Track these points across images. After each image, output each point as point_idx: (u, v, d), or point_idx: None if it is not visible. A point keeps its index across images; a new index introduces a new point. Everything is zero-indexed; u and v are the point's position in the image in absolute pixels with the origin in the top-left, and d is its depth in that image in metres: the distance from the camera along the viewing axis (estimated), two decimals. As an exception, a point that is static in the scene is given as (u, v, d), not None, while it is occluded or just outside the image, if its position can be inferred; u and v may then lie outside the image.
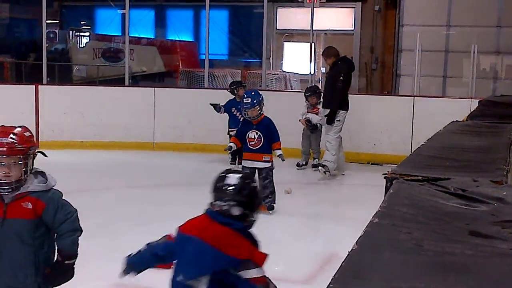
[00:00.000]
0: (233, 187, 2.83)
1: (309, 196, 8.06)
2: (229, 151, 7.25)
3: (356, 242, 1.73)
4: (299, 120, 9.81)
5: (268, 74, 14.51)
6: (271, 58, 17.88)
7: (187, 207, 5.91)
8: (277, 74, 16.17)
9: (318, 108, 9.64)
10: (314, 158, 9.83)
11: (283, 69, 18.21)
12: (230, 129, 9.70)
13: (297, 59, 17.53)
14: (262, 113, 6.84)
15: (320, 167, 9.01)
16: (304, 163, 9.86)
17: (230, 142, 7.19)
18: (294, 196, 7.89)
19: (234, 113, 9.63)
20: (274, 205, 6.90)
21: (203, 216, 2.91)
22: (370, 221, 1.93)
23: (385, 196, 2.42)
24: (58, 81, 15.40)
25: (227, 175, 2.87)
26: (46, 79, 11.57)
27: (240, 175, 2.92)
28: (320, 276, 4.83)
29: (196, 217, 2.93)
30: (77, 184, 8.08)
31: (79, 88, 12.74)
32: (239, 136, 6.98)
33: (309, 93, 9.94)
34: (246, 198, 2.84)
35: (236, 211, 2.81)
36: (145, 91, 11.55)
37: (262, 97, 6.85)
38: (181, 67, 18.16)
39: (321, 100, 9.62)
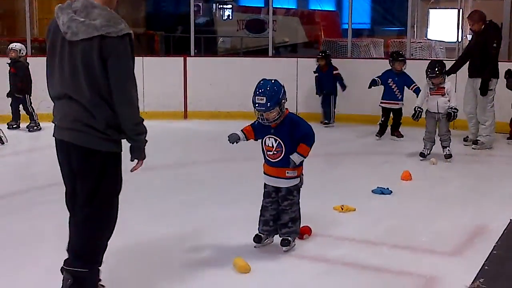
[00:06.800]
0: None
1: (455, 169, 7.80)
2: (231, 142, 4.80)
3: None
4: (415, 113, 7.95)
5: (413, 42, 14.16)
6: (415, 26, 17.42)
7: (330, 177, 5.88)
8: (421, 42, 15.76)
9: (444, 88, 7.83)
10: (445, 147, 8.04)
11: (428, 37, 17.71)
12: (382, 101, 9.60)
13: (443, 26, 16.92)
14: (286, 110, 4.63)
15: (474, 145, 8.92)
16: (428, 152, 8.10)
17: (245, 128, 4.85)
18: (440, 168, 7.70)
19: (390, 84, 9.47)
20: (291, 239, 4.74)
21: None
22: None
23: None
24: (204, 53, 15.88)
25: None
26: (193, 51, 11.95)
27: None
28: (470, 248, 4.68)
29: None
30: (222, 154, 8.34)
31: (224, 60, 13.03)
32: (257, 137, 4.86)
33: (435, 73, 7.76)
34: None
35: None
36: (288, 62, 11.63)
37: (284, 90, 4.57)
38: (323, 37, 18.15)
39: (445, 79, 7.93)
